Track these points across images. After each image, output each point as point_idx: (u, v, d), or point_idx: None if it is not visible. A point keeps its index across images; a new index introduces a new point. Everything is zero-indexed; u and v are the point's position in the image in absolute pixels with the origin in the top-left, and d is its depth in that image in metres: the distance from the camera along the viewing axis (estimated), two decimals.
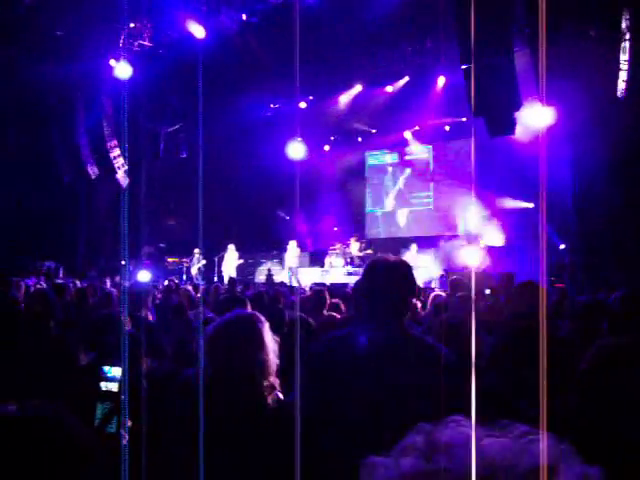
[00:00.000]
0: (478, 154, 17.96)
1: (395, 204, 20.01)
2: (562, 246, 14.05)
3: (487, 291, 8.44)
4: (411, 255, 15.71)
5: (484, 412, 1.05)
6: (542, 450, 0.79)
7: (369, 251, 17.38)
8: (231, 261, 17.70)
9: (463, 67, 12.43)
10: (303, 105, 18.26)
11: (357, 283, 3.08)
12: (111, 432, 2.67)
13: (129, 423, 2.71)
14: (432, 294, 6.98)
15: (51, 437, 0.97)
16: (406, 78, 16.93)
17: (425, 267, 15.31)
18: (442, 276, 14.51)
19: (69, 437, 1.00)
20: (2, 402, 1.02)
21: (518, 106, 11.75)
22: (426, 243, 17.27)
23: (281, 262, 18.15)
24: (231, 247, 17.76)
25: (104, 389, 2.77)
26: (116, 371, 2.79)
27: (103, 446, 1.02)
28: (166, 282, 12.81)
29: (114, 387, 2.76)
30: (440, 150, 19.24)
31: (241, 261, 17.68)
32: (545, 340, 1.16)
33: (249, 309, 3.21)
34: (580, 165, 13.95)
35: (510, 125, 12.06)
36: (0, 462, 0.94)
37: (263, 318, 2.92)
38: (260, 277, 17.69)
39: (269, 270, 17.16)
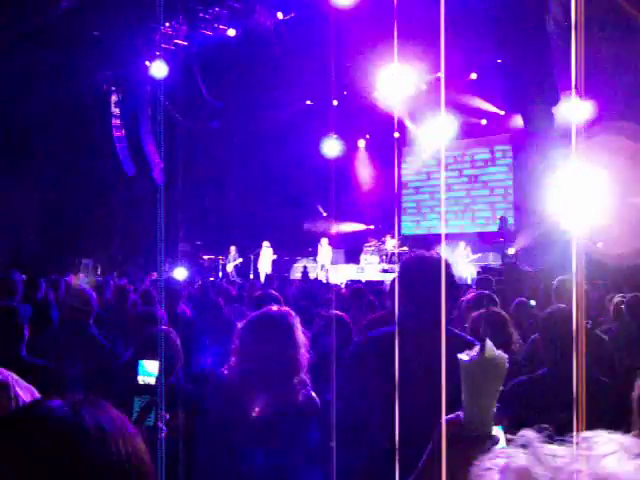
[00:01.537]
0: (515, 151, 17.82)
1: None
2: (599, 244, 13.80)
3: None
4: (458, 252, 15.70)
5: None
6: None
7: (404, 248, 17.31)
8: (266, 258, 17.77)
9: (498, 61, 12.35)
10: (335, 103, 18.25)
11: (394, 280, 3.06)
12: (149, 425, 2.69)
13: (167, 416, 2.73)
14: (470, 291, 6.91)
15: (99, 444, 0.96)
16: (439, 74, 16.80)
17: (462, 264, 15.23)
18: (479, 273, 14.42)
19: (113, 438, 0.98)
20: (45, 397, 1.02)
21: (555, 100, 11.61)
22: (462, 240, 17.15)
23: (315, 259, 18.16)
24: (266, 244, 17.83)
25: (141, 382, 2.78)
26: (153, 365, 2.81)
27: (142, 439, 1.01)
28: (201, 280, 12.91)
29: (151, 380, 2.78)
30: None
31: (275, 257, 17.74)
32: (583, 338, 1.14)
33: (282, 306, 3.21)
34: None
35: (547, 119, 11.93)
36: (50, 466, 0.92)
37: (294, 314, 2.92)
38: (296, 274, 17.72)
39: (305, 267, 17.18)
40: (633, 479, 0.72)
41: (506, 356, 1.49)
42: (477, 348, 1.44)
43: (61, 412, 0.95)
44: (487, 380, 1.46)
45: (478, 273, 14.72)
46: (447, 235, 17.93)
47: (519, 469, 0.76)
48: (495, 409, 1.43)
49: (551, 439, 0.80)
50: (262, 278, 15.99)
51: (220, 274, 17.99)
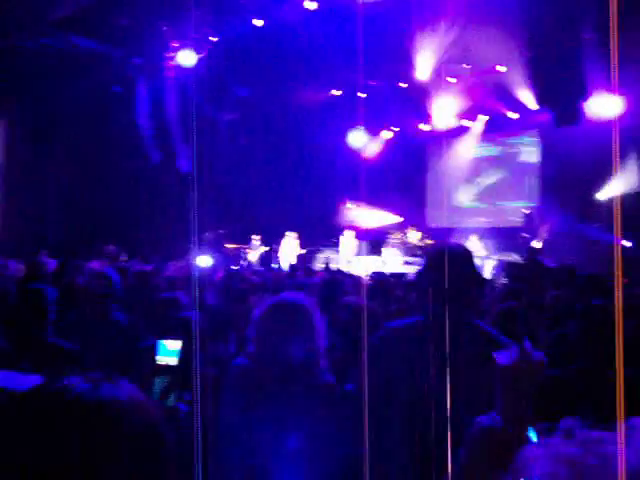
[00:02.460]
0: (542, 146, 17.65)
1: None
2: (628, 243, 13.61)
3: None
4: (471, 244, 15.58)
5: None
6: None
7: (428, 241, 17.23)
8: (290, 249, 17.80)
9: (528, 55, 12.20)
10: (363, 95, 18.18)
11: (419, 272, 3.05)
12: (169, 406, 2.70)
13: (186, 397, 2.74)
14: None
15: (127, 421, 0.98)
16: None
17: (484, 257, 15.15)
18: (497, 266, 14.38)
19: (144, 421, 1.00)
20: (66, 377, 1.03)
21: (585, 95, 11.47)
22: (486, 234, 17.07)
23: (338, 251, 18.13)
24: (290, 235, 17.85)
25: (162, 363, 2.78)
26: (174, 345, 2.80)
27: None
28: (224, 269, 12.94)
29: (172, 361, 2.77)
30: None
31: (303, 251, 17.79)
32: (621, 338, 1.13)
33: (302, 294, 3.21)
34: None
35: (576, 114, 11.79)
36: (75, 443, 0.94)
37: (311, 300, 2.92)
38: (318, 265, 17.71)
39: (327, 258, 17.17)
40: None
41: (543, 358, 1.47)
42: (515, 349, 1.42)
43: (80, 388, 0.97)
44: (524, 382, 1.44)
45: (495, 268, 14.66)
46: (472, 229, 17.82)
47: (569, 457, 0.75)
48: (530, 410, 1.41)
49: (593, 427, 0.79)
50: (285, 267, 16.02)
51: (243, 263, 18.03)
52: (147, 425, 0.99)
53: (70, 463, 0.91)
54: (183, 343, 2.81)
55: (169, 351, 2.81)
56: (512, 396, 1.44)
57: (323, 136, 18.36)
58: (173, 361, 2.76)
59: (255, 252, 18.06)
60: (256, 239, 18.09)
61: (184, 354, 2.74)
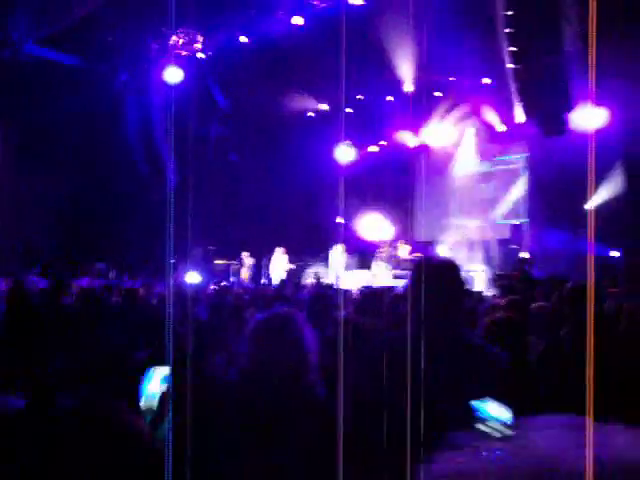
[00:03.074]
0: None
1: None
2: (615, 253, 13.68)
3: None
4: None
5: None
6: None
7: (417, 254, 17.25)
8: (279, 264, 17.79)
9: (512, 67, 12.30)
10: (349, 110, 18.29)
11: (406, 285, 3.06)
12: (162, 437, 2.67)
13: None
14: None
15: (113, 434, 0.98)
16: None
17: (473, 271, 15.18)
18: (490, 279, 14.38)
19: (129, 434, 1.01)
20: (57, 395, 1.04)
21: (570, 107, 11.57)
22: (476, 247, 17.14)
23: (327, 265, 18.12)
24: (279, 250, 17.85)
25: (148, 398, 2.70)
26: (161, 372, 2.75)
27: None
28: (213, 285, 12.92)
29: (161, 389, 2.72)
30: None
31: (293, 266, 17.77)
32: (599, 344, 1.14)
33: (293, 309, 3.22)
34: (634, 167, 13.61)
35: (563, 125, 11.89)
36: (61, 456, 0.94)
37: (301, 315, 2.92)
38: (308, 280, 17.70)
39: (317, 273, 17.16)
40: (570, 454, 0.72)
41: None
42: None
43: (69, 407, 0.98)
44: None
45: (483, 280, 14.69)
46: (461, 242, 17.88)
47: (460, 475, 0.75)
48: None
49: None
50: (275, 282, 16.00)
51: (232, 279, 18.00)
52: (135, 443, 1.00)
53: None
54: (173, 362, 2.79)
55: (155, 380, 2.74)
56: None
57: (312, 151, 18.40)
58: (161, 389, 2.70)
59: (245, 268, 18.03)
60: (246, 255, 18.07)
61: (174, 375, 2.71)
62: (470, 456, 0.78)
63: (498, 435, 2.32)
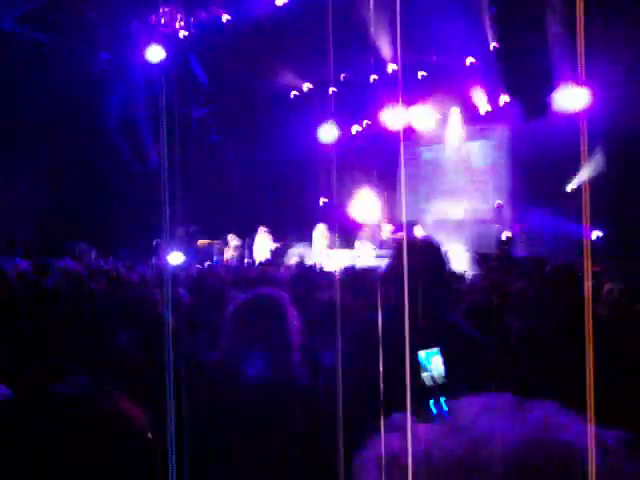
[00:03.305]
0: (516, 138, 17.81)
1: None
2: (598, 233, 13.77)
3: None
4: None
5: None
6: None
7: (400, 234, 17.29)
8: (263, 244, 17.75)
9: (495, 47, 12.29)
10: (333, 89, 18.21)
11: (388, 265, 3.07)
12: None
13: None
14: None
15: (108, 417, 0.97)
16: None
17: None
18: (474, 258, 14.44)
19: (123, 417, 1.00)
20: (43, 382, 1.03)
21: (553, 88, 11.58)
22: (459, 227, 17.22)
23: (310, 245, 18.11)
24: (262, 229, 17.80)
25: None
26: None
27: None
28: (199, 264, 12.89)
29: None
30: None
31: (278, 245, 17.74)
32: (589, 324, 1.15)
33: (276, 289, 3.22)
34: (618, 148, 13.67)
35: (545, 107, 11.90)
36: (63, 440, 0.93)
37: (285, 295, 2.92)
38: (291, 260, 17.69)
39: (300, 253, 17.14)
40: (503, 434, 0.72)
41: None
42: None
43: (66, 395, 0.96)
44: None
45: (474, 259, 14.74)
46: (443, 222, 17.96)
47: (391, 458, 0.76)
48: None
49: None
50: (258, 262, 15.99)
51: (215, 258, 17.96)
52: (132, 433, 0.99)
53: (55, 472, 0.90)
54: (155, 341, 2.78)
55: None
56: None
57: (295, 130, 18.34)
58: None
59: (230, 249, 17.98)
60: (232, 237, 18.02)
61: (158, 353, 2.70)
62: (404, 439, 0.79)
63: (430, 384, 2.38)
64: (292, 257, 17.73)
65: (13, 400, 1.04)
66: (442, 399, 2.33)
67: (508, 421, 0.76)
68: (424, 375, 2.38)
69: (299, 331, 2.86)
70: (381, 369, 2.34)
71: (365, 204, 19.39)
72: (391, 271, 2.83)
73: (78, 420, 0.94)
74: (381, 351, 2.56)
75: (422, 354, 2.42)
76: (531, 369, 3.12)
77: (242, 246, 18.21)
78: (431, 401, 2.29)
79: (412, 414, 0.84)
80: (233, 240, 18.18)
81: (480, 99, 17.42)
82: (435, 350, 2.42)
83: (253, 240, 18.01)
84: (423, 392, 2.33)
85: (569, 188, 14.70)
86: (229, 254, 17.94)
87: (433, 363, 2.40)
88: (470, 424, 0.77)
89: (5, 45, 14.30)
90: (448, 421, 0.79)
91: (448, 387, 2.38)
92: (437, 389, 2.37)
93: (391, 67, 17.03)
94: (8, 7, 13.67)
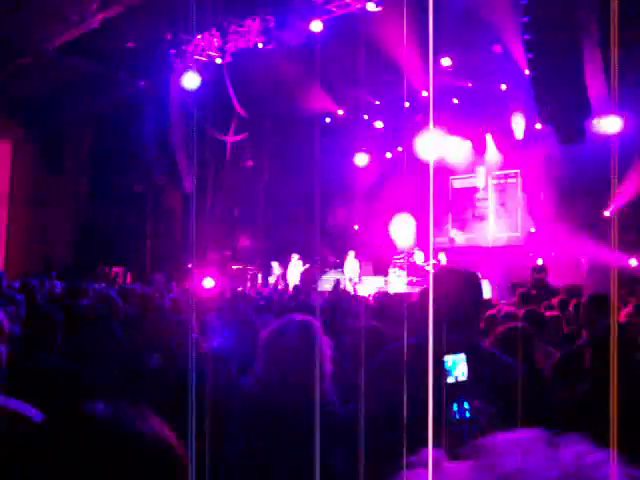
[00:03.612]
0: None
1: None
2: (633, 261, 13.52)
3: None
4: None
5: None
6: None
7: (433, 262, 17.22)
8: (296, 270, 17.84)
9: (530, 73, 12.23)
10: (366, 117, 18.36)
11: (422, 293, 3.06)
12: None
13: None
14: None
15: (144, 440, 0.96)
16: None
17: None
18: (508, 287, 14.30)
19: (161, 441, 0.98)
20: (74, 400, 1.03)
21: (588, 113, 11.46)
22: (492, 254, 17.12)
23: (342, 272, 18.13)
24: (295, 257, 17.89)
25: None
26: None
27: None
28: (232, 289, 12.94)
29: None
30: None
31: (307, 266, 17.80)
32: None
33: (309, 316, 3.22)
34: None
35: (580, 133, 11.77)
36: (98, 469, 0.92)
37: (317, 323, 2.91)
38: (325, 286, 17.68)
39: (337, 280, 17.15)
40: (535, 473, 0.71)
41: None
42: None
43: (103, 418, 0.95)
44: None
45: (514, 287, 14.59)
46: (476, 248, 17.86)
47: None
48: None
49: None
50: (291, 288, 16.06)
51: (248, 284, 18.04)
52: (169, 462, 0.97)
53: None
54: (191, 367, 2.80)
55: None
56: None
57: (329, 156, 18.43)
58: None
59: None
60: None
61: (190, 380, 2.71)
62: (435, 474, 0.78)
63: (452, 381, 2.40)
64: (325, 283, 17.74)
65: (44, 422, 1.03)
66: (465, 403, 2.36)
67: (540, 458, 0.75)
68: (449, 380, 2.43)
69: (330, 359, 2.86)
70: (408, 399, 2.33)
71: (398, 231, 19.39)
72: (428, 299, 2.82)
73: (112, 444, 0.94)
74: (411, 381, 2.54)
75: (448, 359, 2.44)
76: (563, 399, 3.07)
77: (283, 273, 18.37)
78: (455, 404, 2.32)
79: (441, 448, 0.84)
80: (277, 268, 18.37)
81: (514, 125, 17.33)
82: (461, 356, 2.44)
83: (286, 267, 18.14)
84: (447, 395, 2.35)
85: (606, 213, 14.47)
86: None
87: (457, 369, 2.44)
88: (500, 461, 0.76)
89: (47, 70, 14.63)
90: (480, 457, 0.78)
91: (470, 390, 2.41)
92: (460, 391, 2.41)
93: (424, 93, 17.06)
94: (52, 35, 14.00)
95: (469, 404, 2.37)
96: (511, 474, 0.72)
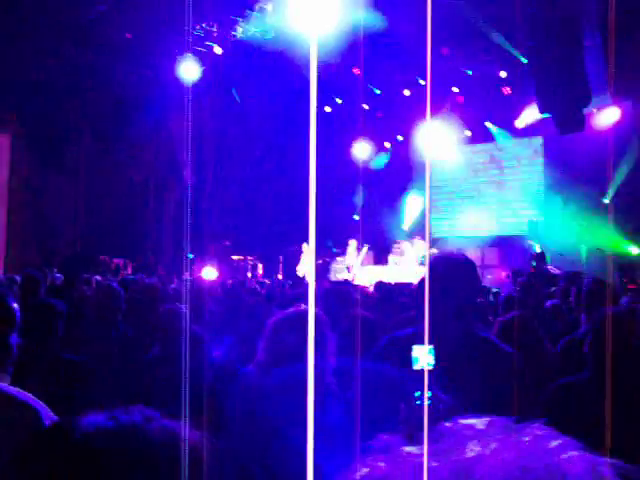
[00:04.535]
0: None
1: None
2: (634, 249, 13.52)
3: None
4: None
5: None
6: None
7: (434, 250, 17.20)
8: (307, 260, 17.79)
9: (527, 62, 12.21)
10: (366, 106, 18.30)
11: (419, 282, 3.07)
12: None
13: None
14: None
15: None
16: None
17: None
18: (508, 276, 14.30)
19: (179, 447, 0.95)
20: (89, 400, 1.02)
21: (588, 102, 11.44)
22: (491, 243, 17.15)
23: (343, 261, 18.10)
24: (305, 246, 17.83)
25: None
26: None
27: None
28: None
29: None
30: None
31: (319, 261, 17.69)
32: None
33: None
34: None
35: (579, 122, 11.75)
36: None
37: (323, 315, 2.91)
38: (337, 275, 17.60)
39: (348, 268, 17.13)
40: (496, 458, 0.71)
41: None
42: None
43: (123, 426, 0.91)
44: None
45: (508, 277, 14.60)
46: (475, 238, 17.89)
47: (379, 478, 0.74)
48: None
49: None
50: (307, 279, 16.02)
51: (249, 274, 18.03)
52: (197, 471, 0.94)
53: None
54: (184, 356, 2.81)
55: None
56: None
57: (330, 146, 18.40)
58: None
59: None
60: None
61: (186, 368, 2.73)
62: (392, 459, 0.78)
63: (418, 368, 2.41)
64: (336, 272, 17.69)
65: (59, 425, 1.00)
66: (429, 393, 2.38)
67: (500, 443, 0.75)
68: (415, 368, 2.45)
69: (334, 352, 2.85)
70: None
71: (398, 220, 19.39)
72: (425, 287, 2.83)
73: (131, 451, 0.92)
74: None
75: (415, 349, 2.45)
76: (564, 386, 3.08)
77: (274, 262, 18.29)
78: (417, 393, 2.34)
79: (399, 434, 0.83)
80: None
81: (513, 114, 17.30)
82: (429, 347, 2.46)
83: (287, 257, 18.10)
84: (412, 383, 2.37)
85: (606, 200, 14.44)
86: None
87: (422, 358, 2.45)
88: (459, 446, 0.76)
89: (42, 63, 14.55)
90: (438, 444, 0.78)
91: (435, 380, 2.43)
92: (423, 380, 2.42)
93: (422, 81, 17.01)
94: (44, 27, 13.93)
95: (431, 393, 2.39)
96: (470, 459, 0.72)
